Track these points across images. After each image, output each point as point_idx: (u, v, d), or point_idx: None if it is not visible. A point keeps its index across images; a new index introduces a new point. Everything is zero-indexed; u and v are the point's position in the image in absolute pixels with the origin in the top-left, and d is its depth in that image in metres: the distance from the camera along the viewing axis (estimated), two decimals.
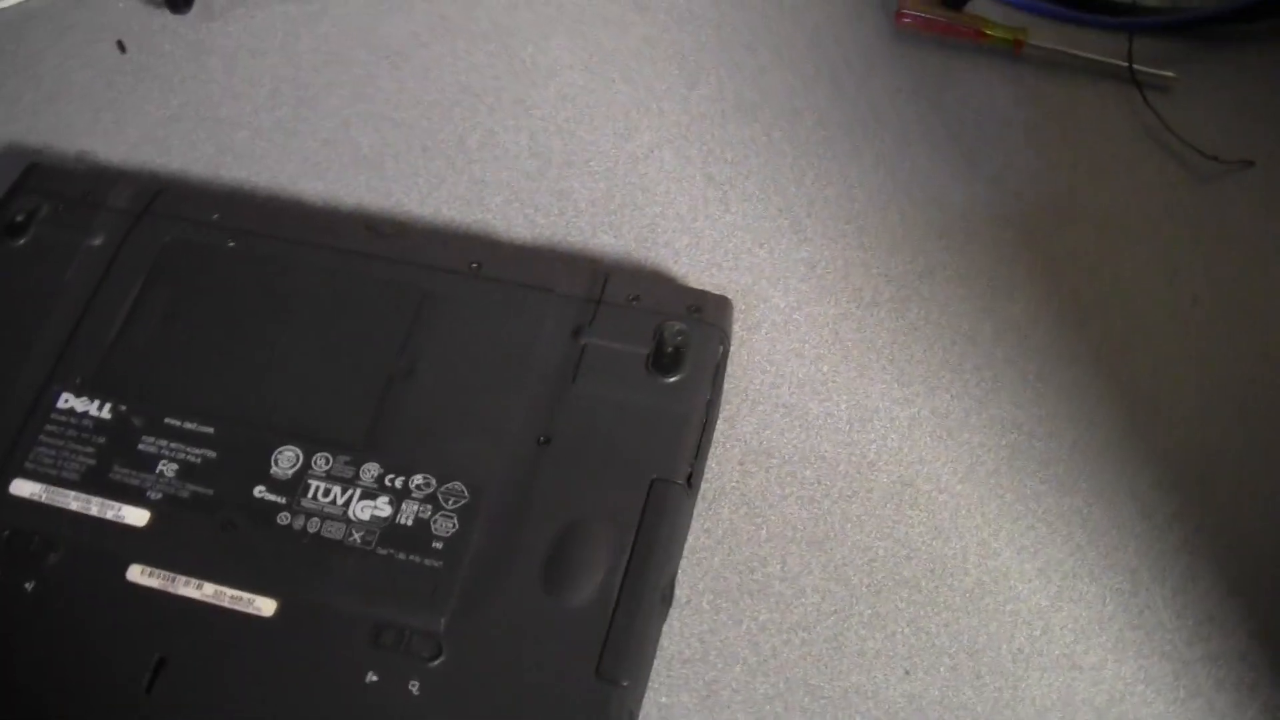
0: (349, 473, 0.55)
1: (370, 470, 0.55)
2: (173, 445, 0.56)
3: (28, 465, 0.55)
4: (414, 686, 0.50)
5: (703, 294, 0.59)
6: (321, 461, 0.55)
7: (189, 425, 0.56)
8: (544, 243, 0.64)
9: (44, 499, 0.55)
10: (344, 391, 0.57)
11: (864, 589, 0.56)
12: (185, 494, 0.54)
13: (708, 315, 0.58)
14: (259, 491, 0.54)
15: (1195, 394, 0.61)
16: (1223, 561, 0.57)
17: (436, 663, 0.51)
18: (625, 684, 0.50)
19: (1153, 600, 0.56)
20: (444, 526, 0.53)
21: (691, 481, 0.55)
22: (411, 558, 0.53)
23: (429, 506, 0.54)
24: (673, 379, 0.56)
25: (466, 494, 0.54)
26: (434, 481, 0.54)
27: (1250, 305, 0.63)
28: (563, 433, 0.55)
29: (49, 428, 0.56)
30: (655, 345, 0.57)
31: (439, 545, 0.53)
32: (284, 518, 0.54)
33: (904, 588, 0.56)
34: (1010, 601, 0.56)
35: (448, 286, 0.59)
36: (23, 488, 0.55)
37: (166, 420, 0.56)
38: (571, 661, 0.50)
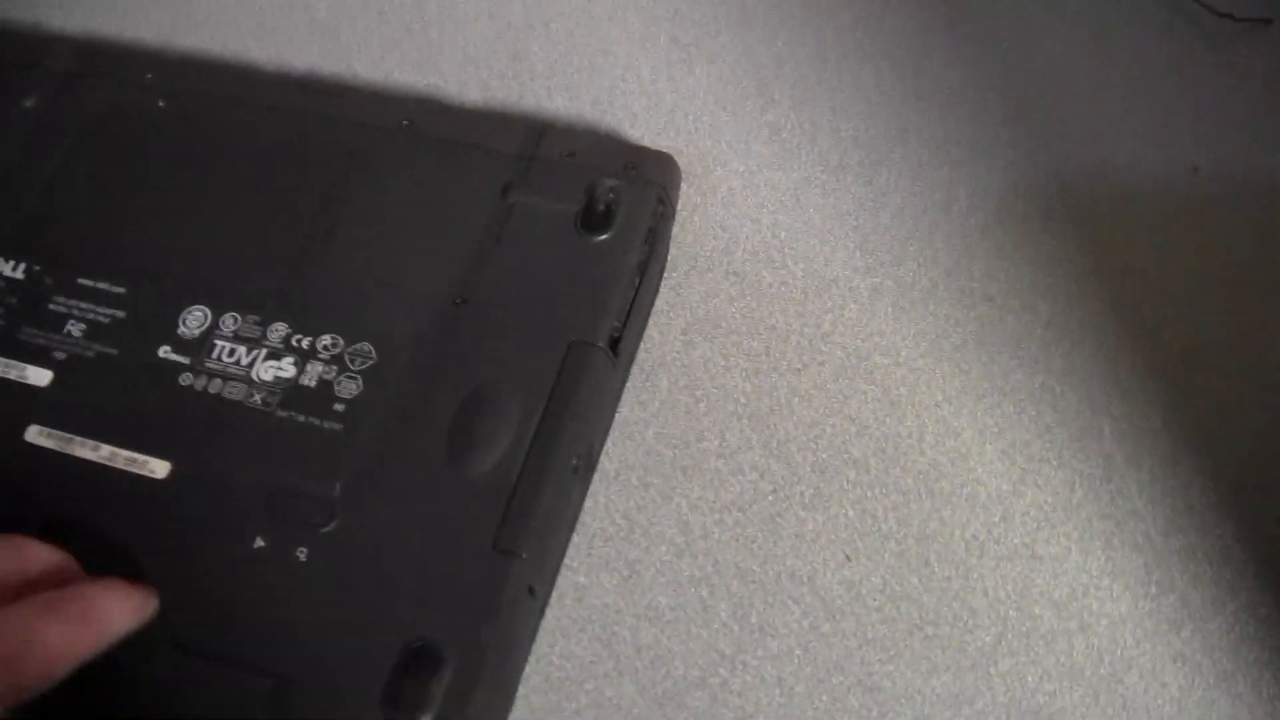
0: (256, 333, 0.52)
1: (278, 330, 0.52)
2: (83, 305, 0.53)
3: None
4: (301, 553, 0.47)
5: (642, 150, 0.55)
6: (230, 321, 0.52)
7: (101, 285, 0.54)
8: (496, 106, 0.61)
9: None
10: (260, 251, 0.54)
11: (807, 468, 0.52)
12: (90, 354, 0.52)
13: (646, 172, 0.54)
14: (164, 351, 0.52)
15: (1186, 270, 0.55)
16: (1207, 447, 0.51)
17: (328, 529, 0.47)
18: (524, 556, 0.46)
19: (1126, 487, 0.51)
20: (348, 388, 0.50)
21: (617, 348, 0.51)
22: (311, 420, 0.49)
23: (334, 368, 0.51)
24: (601, 238, 0.52)
25: (374, 355, 0.51)
26: (342, 342, 0.51)
27: (1253, 176, 0.57)
28: (481, 294, 0.52)
29: None
30: (586, 202, 0.53)
31: (341, 408, 0.50)
32: (186, 378, 0.51)
33: (851, 468, 0.52)
34: (968, 485, 0.51)
35: (376, 144, 0.56)
36: None
37: (79, 280, 0.54)
38: (469, 531, 0.47)
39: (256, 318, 0.52)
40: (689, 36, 0.62)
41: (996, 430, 0.52)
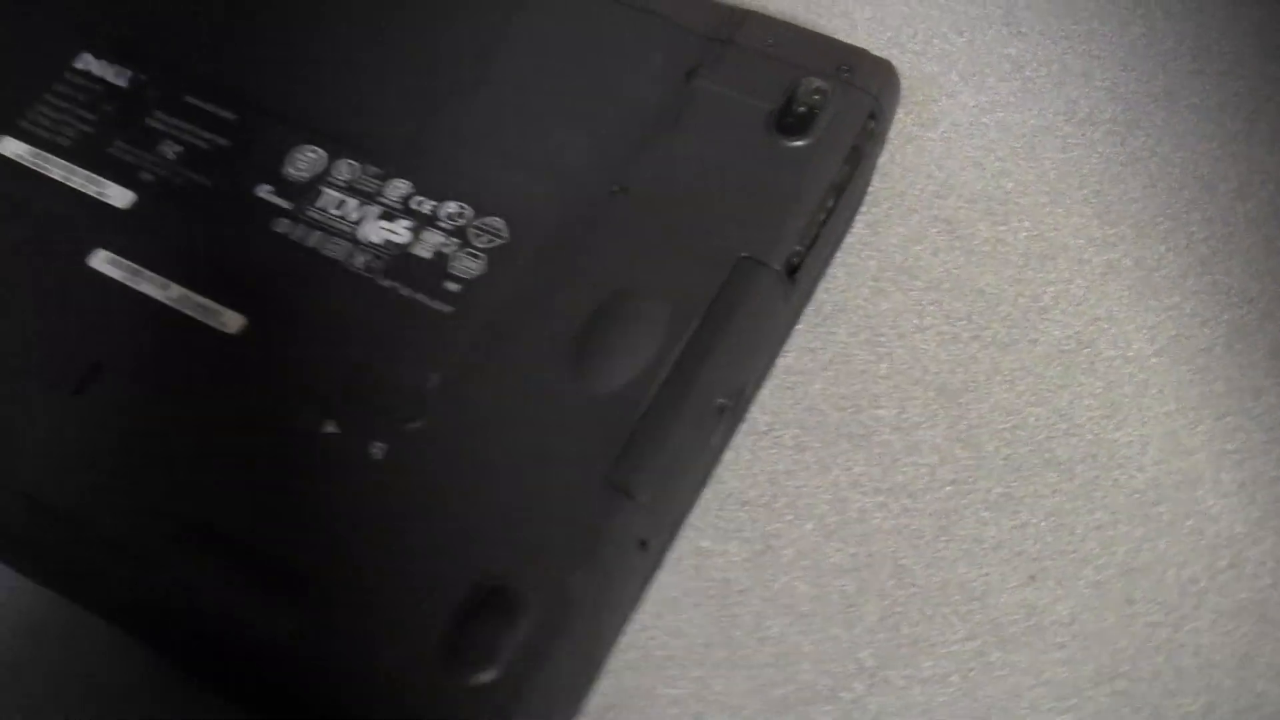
0: (372, 186, 0.43)
1: (398, 188, 0.43)
2: (184, 126, 0.45)
3: (22, 124, 0.46)
4: (377, 450, 0.39)
5: (859, 52, 0.45)
6: (345, 168, 0.44)
7: (209, 107, 0.46)
8: None
9: (27, 161, 0.45)
10: (396, 94, 0.46)
11: (998, 461, 0.42)
12: (180, 180, 0.44)
13: (860, 79, 0.45)
14: (263, 191, 0.44)
15: None
16: None
17: (414, 426, 0.39)
18: (640, 500, 0.37)
19: None
20: (467, 267, 0.42)
21: (795, 275, 0.42)
22: (418, 297, 0.41)
23: (455, 241, 0.42)
24: (797, 143, 0.43)
25: (505, 234, 0.42)
26: (470, 213, 0.43)
27: None
28: (645, 185, 0.43)
29: (58, 88, 0.47)
30: (785, 101, 0.44)
31: (455, 288, 0.41)
32: (283, 225, 0.43)
33: (1052, 470, 0.42)
34: (1192, 518, 0.41)
35: None
36: (8, 146, 0.46)
37: (186, 98, 0.46)
38: (580, 458, 0.38)
39: (377, 170, 0.44)
40: None
41: (1237, 458, 0.42)
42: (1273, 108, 0.48)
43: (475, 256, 0.42)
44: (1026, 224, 0.46)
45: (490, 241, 0.42)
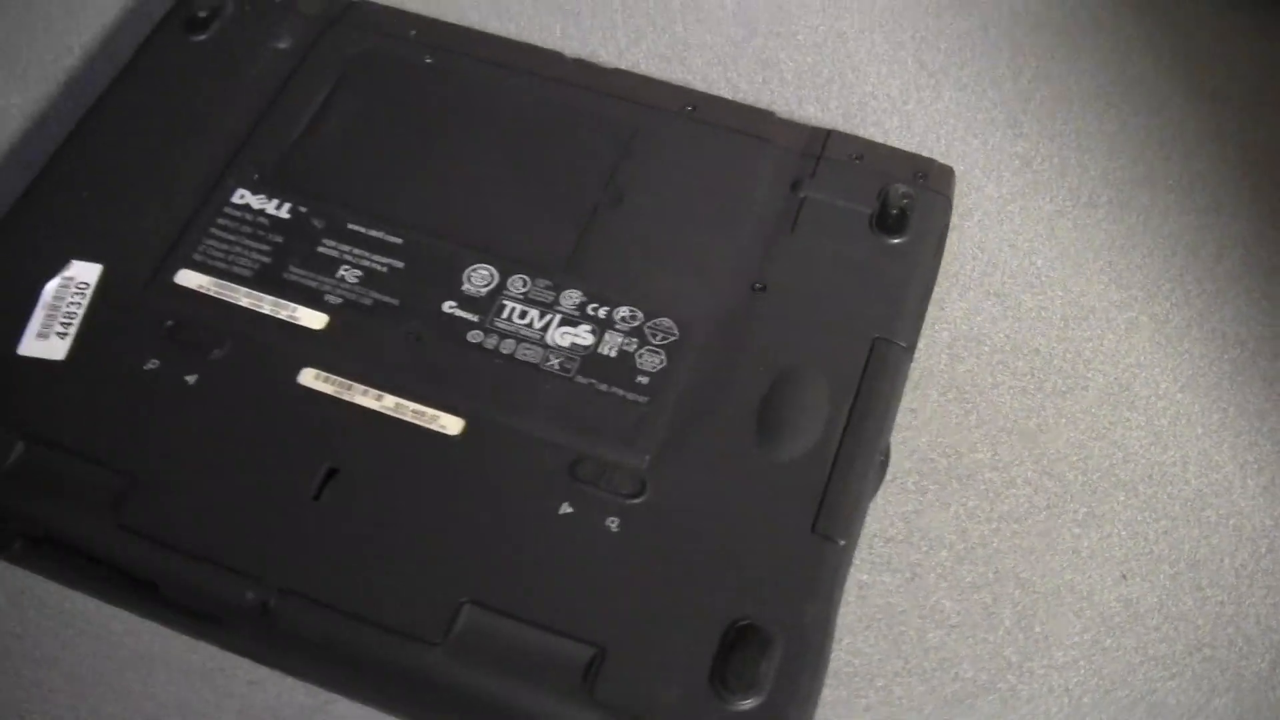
0: (548, 297, 0.51)
1: (571, 297, 0.51)
2: (356, 251, 0.52)
3: (196, 257, 0.51)
4: (612, 523, 0.46)
5: (929, 161, 0.55)
6: (518, 283, 0.51)
7: (375, 233, 0.52)
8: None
9: (212, 292, 0.51)
10: (546, 214, 0.53)
11: (1078, 486, 0.52)
12: (368, 301, 0.50)
13: (933, 182, 0.54)
14: (449, 306, 0.50)
15: None
16: None
17: (638, 501, 0.46)
18: (842, 543, 0.46)
19: None
20: (650, 362, 0.49)
21: (911, 349, 0.51)
22: (614, 390, 0.49)
23: (634, 340, 0.50)
24: (897, 240, 0.52)
25: (676, 331, 0.50)
26: (640, 315, 0.50)
27: None
28: (779, 282, 0.51)
29: (221, 221, 0.52)
30: (880, 205, 0.53)
31: (644, 380, 0.49)
32: (475, 335, 0.50)
33: (1120, 490, 0.52)
34: (1233, 516, 0.52)
35: (659, 124, 0.55)
36: (190, 279, 0.51)
37: (350, 226, 0.52)
38: (785, 514, 0.46)
39: (548, 282, 0.51)
40: (936, 63, 0.63)
41: (1257, 466, 0.53)
42: (1231, 184, 0.60)
43: (655, 352, 0.49)
44: (1059, 293, 0.57)
45: (665, 339, 0.50)
